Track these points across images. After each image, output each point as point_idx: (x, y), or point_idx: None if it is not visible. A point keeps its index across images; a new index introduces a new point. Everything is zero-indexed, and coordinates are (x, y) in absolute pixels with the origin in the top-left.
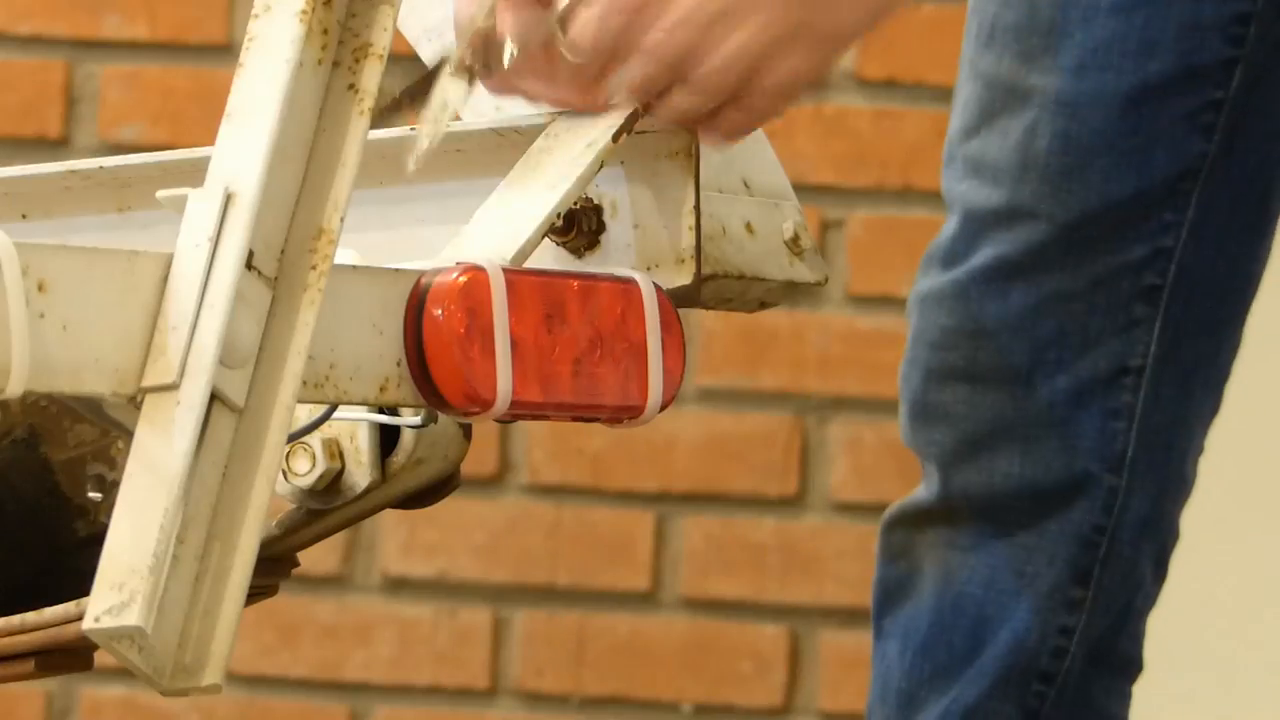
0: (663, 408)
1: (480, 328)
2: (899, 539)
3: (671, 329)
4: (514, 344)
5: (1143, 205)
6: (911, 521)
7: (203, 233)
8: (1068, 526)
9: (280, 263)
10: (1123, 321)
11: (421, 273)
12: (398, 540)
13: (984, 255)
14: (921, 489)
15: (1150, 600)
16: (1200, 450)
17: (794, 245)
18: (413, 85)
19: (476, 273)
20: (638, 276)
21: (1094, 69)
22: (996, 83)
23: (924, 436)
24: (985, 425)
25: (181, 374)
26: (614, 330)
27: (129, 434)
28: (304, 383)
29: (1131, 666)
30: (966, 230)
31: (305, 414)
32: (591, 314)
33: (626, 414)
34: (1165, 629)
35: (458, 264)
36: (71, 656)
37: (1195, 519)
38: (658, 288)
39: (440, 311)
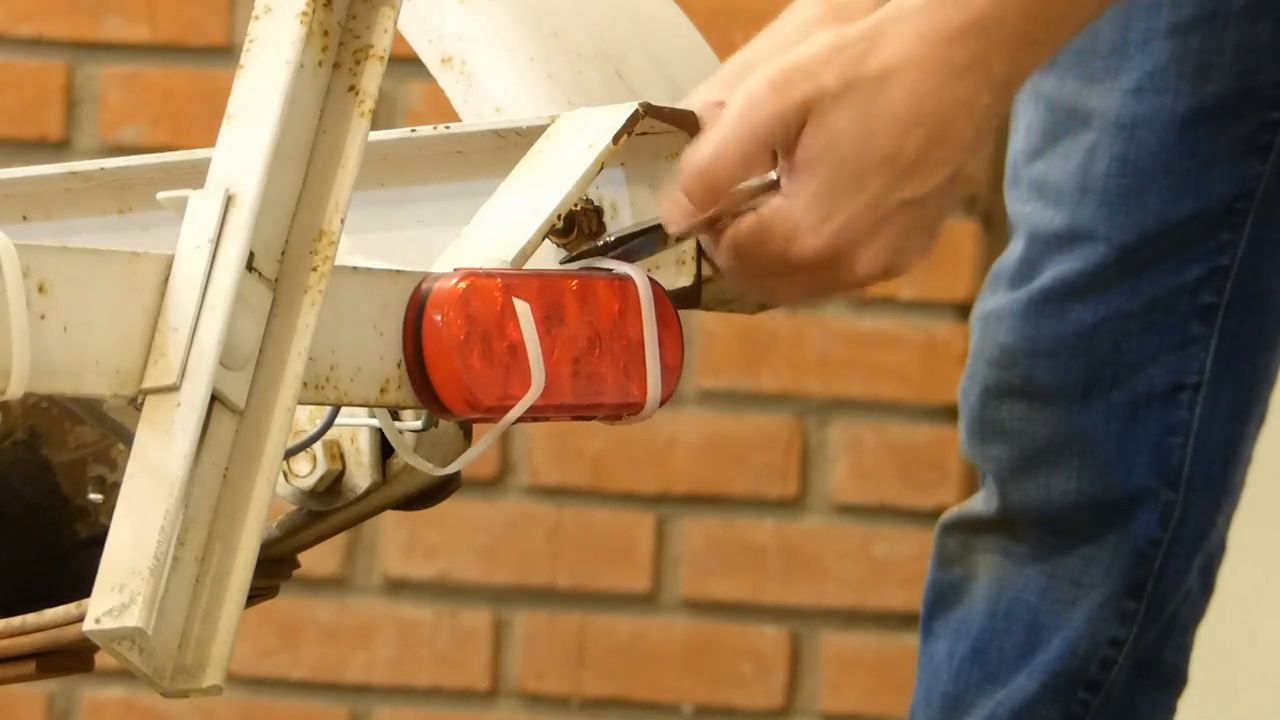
0: (662, 403)
1: (480, 333)
2: (954, 544)
3: (669, 324)
4: (511, 348)
5: (1200, 226)
6: (969, 528)
7: (203, 234)
8: (1125, 539)
9: (281, 264)
10: (1179, 339)
11: (422, 277)
12: (398, 542)
13: (1046, 277)
14: (980, 499)
15: (1197, 613)
16: (1249, 461)
17: None
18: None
19: (476, 278)
20: (633, 272)
21: (1151, 91)
22: (1059, 105)
23: (982, 452)
24: (1042, 442)
25: (182, 375)
26: (612, 328)
27: (126, 439)
28: (305, 384)
29: (1177, 679)
30: (1031, 252)
31: (305, 416)
32: (589, 312)
33: (627, 411)
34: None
35: (457, 270)
36: (72, 658)
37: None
38: (654, 283)
39: (440, 317)
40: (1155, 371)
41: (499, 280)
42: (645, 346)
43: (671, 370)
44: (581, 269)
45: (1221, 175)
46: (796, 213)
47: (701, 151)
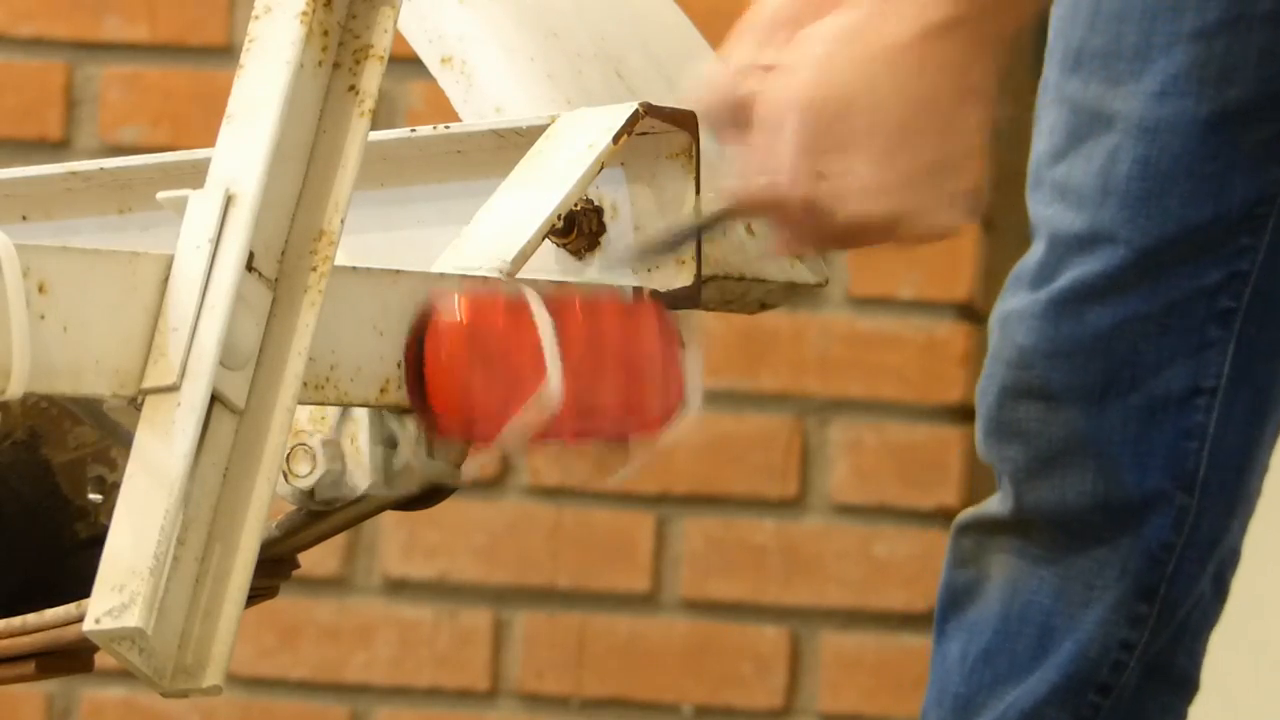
0: (663, 433)
1: (482, 358)
2: (969, 545)
3: (672, 350)
4: (516, 375)
5: (1220, 230)
6: (984, 529)
7: (203, 234)
8: (1138, 543)
9: (281, 264)
10: (1196, 343)
11: (426, 298)
12: (398, 542)
13: (1065, 279)
14: (995, 500)
15: (1210, 619)
16: (1266, 468)
17: None
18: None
19: (479, 299)
20: (645, 293)
21: (1175, 94)
22: (1082, 107)
23: (998, 452)
24: (1058, 443)
25: (182, 375)
26: (617, 354)
27: (123, 440)
28: (305, 384)
29: (1188, 685)
30: (1052, 254)
31: (305, 416)
32: (594, 338)
33: (628, 437)
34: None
35: (461, 293)
36: (72, 658)
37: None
38: (662, 307)
39: (444, 353)
40: (1172, 375)
41: (502, 301)
42: (648, 375)
43: (671, 400)
44: (593, 288)
45: (1242, 180)
46: (854, 182)
47: (779, 184)
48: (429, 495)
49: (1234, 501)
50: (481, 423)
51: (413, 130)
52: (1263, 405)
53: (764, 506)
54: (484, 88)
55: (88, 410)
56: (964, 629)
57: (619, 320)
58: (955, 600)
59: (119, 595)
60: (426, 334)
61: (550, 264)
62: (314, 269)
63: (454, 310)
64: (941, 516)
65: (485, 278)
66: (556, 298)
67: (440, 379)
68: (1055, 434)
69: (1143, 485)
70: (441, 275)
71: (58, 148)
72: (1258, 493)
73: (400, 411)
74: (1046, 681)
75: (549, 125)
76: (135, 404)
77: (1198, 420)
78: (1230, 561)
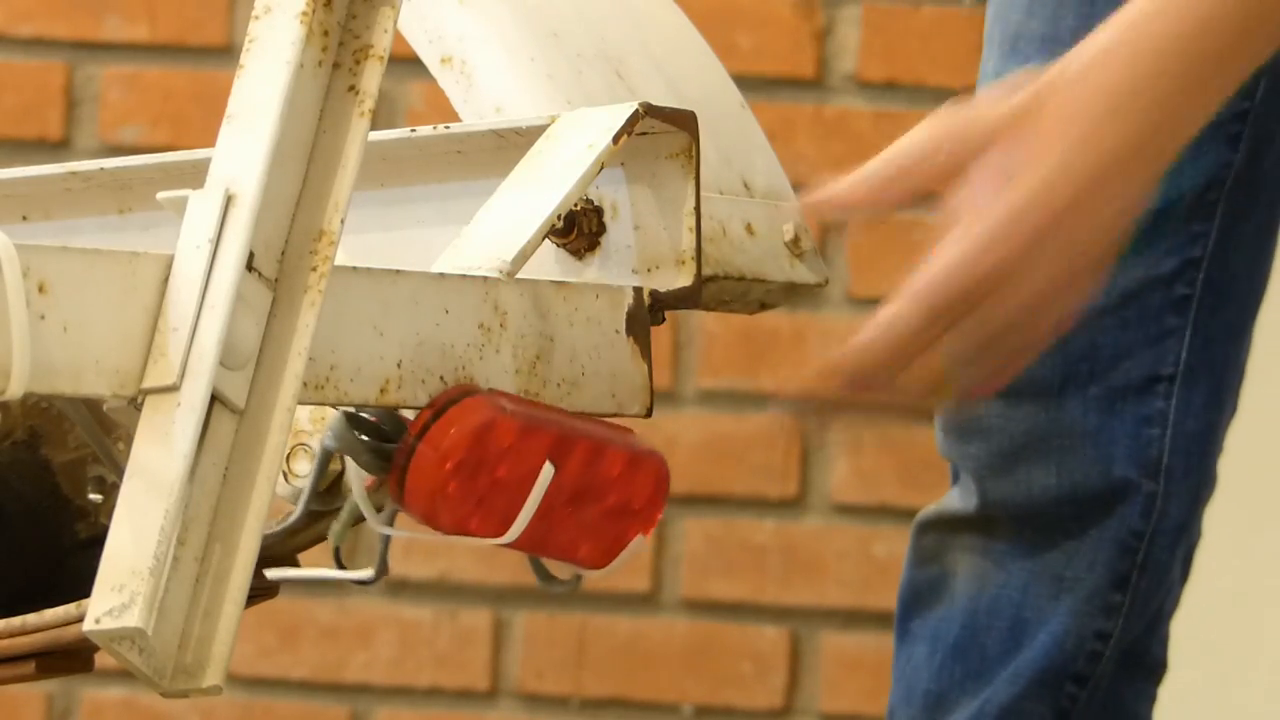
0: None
1: (469, 470)
2: (930, 543)
3: (649, 514)
4: (494, 484)
5: (1171, 217)
6: (945, 527)
7: (203, 234)
8: (1107, 532)
9: (281, 264)
10: (1154, 332)
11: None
12: (398, 542)
13: None
14: (956, 497)
15: (1176, 602)
16: (1221, 450)
17: (794, 247)
18: None
19: (498, 416)
20: (652, 451)
21: None
22: None
23: (959, 450)
24: (1020, 438)
25: (182, 375)
26: (598, 492)
27: (106, 453)
28: (305, 384)
29: (1159, 669)
30: None
31: (305, 416)
32: (588, 472)
33: (580, 565)
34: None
35: (484, 399)
36: (72, 658)
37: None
38: (663, 463)
39: (435, 455)
40: (1131, 365)
41: (517, 425)
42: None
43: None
44: (609, 429)
45: (1191, 166)
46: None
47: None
48: None
49: (1198, 485)
50: (442, 523)
51: (413, 130)
52: (1219, 389)
53: (764, 506)
54: (484, 88)
55: (80, 417)
56: (930, 627)
57: (618, 471)
58: (919, 598)
59: (119, 595)
60: (427, 435)
61: (550, 264)
62: (314, 269)
63: (466, 421)
64: None
65: (514, 402)
66: (567, 435)
67: (417, 489)
68: (1016, 429)
69: (1108, 475)
70: (441, 275)
71: (58, 148)
72: (1216, 475)
73: (401, 408)
74: (1022, 675)
75: (549, 125)
76: (135, 404)
77: (1158, 407)
78: (1195, 544)
